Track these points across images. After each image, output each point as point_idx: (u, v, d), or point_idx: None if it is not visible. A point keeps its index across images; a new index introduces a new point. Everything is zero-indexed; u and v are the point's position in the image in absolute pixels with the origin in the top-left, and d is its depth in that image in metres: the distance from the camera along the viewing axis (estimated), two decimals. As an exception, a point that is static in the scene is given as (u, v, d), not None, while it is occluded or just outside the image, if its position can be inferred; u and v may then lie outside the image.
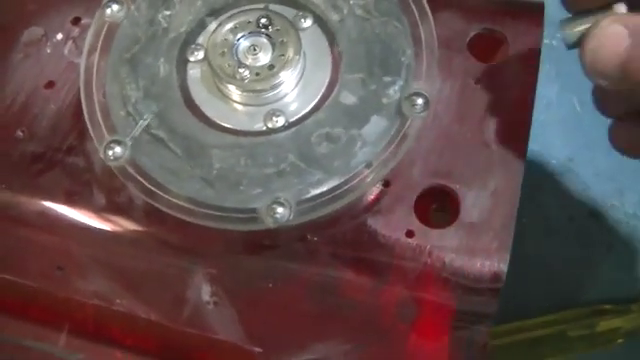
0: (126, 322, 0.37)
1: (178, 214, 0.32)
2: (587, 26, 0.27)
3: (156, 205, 0.32)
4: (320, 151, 0.33)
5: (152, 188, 0.33)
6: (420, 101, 0.33)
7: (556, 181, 0.47)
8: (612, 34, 0.25)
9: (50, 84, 0.39)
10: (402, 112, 0.33)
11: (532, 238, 0.45)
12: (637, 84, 0.25)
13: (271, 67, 0.34)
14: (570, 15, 0.30)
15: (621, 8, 0.27)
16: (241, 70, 0.34)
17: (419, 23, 0.35)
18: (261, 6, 0.36)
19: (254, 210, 0.32)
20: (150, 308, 0.36)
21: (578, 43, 0.28)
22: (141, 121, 0.34)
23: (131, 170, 0.33)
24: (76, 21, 0.40)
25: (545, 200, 0.46)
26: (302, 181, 0.32)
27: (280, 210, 0.31)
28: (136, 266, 0.36)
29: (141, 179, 0.33)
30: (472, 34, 0.37)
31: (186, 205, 0.32)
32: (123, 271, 0.36)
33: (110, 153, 0.33)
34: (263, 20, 0.35)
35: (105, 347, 0.38)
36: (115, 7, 0.36)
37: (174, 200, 0.32)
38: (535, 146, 0.48)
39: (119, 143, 0.33)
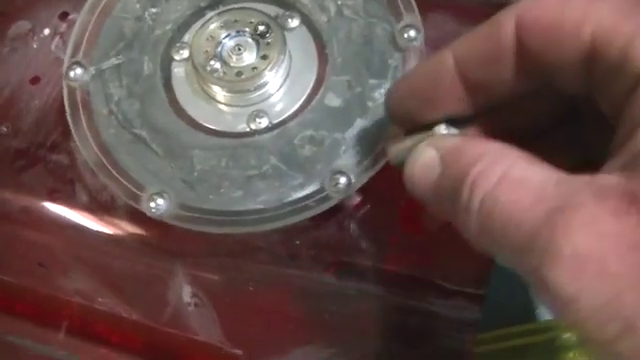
0: (111, 320, 0.37)
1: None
2: (408, 147, 0.26)
3: (135, 206, 0.32)
4: (303, 154, 0.32)
5: (133, 189, 0.32)
6: None
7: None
8: (425, 161, 0.24)
9: (36, 79, 0.38)
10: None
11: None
12: (445, 211, 0.23)
13: (255, 67, 0.34)
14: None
15: (441, 129, 0.25)
16: (225, 70, 0.33)
17: (407, 25, 0.34)
18: (247, 5, 0.36)
19: (235, 213, 0.32)
20: (132, 307, 0.36)
21: (401, 164, 0.26)
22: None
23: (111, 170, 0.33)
24: (63, 16, 0.40)
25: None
26: (283, 184, 0.32)
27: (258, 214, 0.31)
28: (118, 265, 0.36)
29: (122, 179, 0.33)
30: (462, 36, 0.36)
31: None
32: (105, 270, 0.36)
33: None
34: (261, 27, 0.34)
35: (90, 344, 0.38)
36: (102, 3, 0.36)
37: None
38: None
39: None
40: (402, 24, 0.34)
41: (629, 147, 0.20)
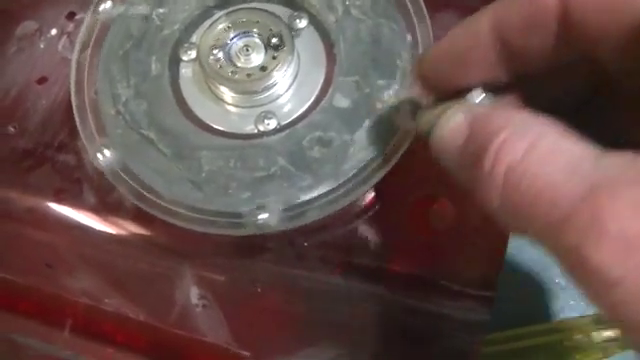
0: (116, 320, 0.37)
1: (165, 217, 0.32)
2: (437, 114, 0.25)
3: (143, 207, 0.32)
4: (311, 155, 0.32)
5: (140, 190, 0.32)
6: None
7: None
8: (453, 126, 0.23)
9: (43, 79, 0.38)
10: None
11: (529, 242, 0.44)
12: (468, 179, 0.22)
13: (263, 68, 0.33)
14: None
15: (475, 96, 0.25)
16: (233, 71, 0.33)
17: (416, 25, 0.34)
18: (255, 5, 0.35)
19: (241, 214, 0.31)
20: (138, 308, 0.36)
21: (429, 134, 0.25)
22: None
23: (119, 172, 0.32)
24: (71, 16, 0.39)
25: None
26: (292, 186, 0.32)
27: (264, 216, 0.31)
28: (124, 265, 0.36)
29: (130, 181, 0.32)
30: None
31: (173, 208, 0.32)
32: (112, 270, 0.36)
33: (99, 155, 0.33)
34: (274, 40, 0.34)
35: (96, 344, 0.38)
36: (109, 3, 0.36)
37: (161, 203, 0.32)
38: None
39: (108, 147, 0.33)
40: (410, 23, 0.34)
41: None
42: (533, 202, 0.19)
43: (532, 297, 0.42)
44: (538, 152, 0.20)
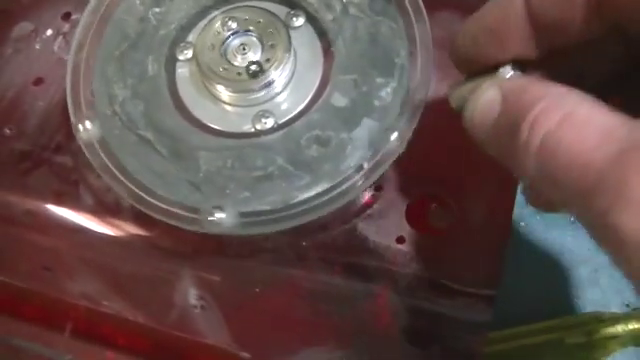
0: (117, 322, 0.37)
1: (164, 218, 0.32)
2: (470, 89, 0.26)
3: (141, 209, 0.32)
4: (309, 154, 0.32)
5: (137, 191, 0.32)
6: None
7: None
8: (486, 100, 0.24)
9: (39, 81, 0.38)
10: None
11: (530, 240, 0.44)
12: (503, 151, 0.23)
13: (260, 67, 0.33)
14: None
15: (506, 71, 0.25)
16: (229, 69, 0.33)
17: (414, 23, 0.34)
18: (252, 4, 0.35)
19: (243, 214, 0.31)
20: (138, 310, 0.36)
21: (462, 108, 0.26)
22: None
23: (115, 171, 0.32)
24: (66, 17, 0.39)
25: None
26: (290, 185, 0.32)
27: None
28: (123, 267, 0.36)
29: (127, 182, 0.32)
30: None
31: (172, 209, 0.31)
32: (111, 272, 0.36)
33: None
34: (270, 38, 0.34)
35: (97, 347, 0.37)
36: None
37: (159, 204, 0.32)
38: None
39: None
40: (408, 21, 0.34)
41: None
42: (567, 168, 0.20)
43: (534, 295, 0.42)
44: (573, 121, 0.20)
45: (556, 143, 0.20)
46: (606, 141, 0.19)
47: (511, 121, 0.22)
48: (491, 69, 0.26)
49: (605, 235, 0.19)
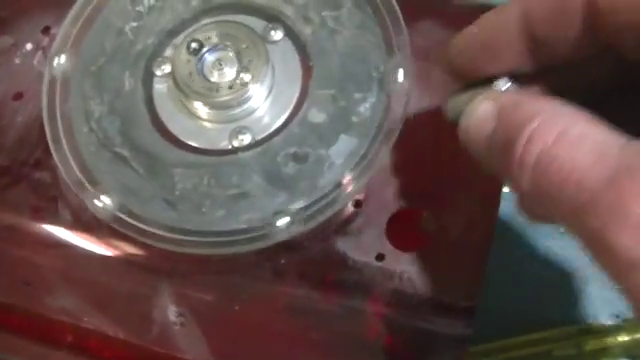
0: (102, 337, 0.37)
1: (140, 237, 0.31)
2: (465, 101, 0.25)
3: (117, 228, 0.31)
4: (286, 171, 0.32)
5: (113, 210, 0.32)
6: None
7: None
8: (481, 115, 0.24)
9: (18, 95, 0.38)
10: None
11: (518, 250, 0.43)
12: (497, 166, 0.23)
13: (237, 82, 0.33)
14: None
15: (502, 84, 0.25)
16: (206, 86, 0.33)
17: (393, 36, 0.33)
18: (229, 18, 0.35)
19: (216, 233, 0.31)
20: (118, 327, 0.36)
21: (457, 119, 0.26)
22: None
23: (90, 189, 0.32)
24: (46, 30, 0.39)
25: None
26: (267, 203, 0.31)
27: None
28: (103, 283, 0.35)
29: (104, 200, 0.32)
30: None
31: (147, 228, 0.31)
32: (90, 288, 0.36)
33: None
34: (247, 54, 0.33)
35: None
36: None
37: (136, 224, 0.31)
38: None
39: None
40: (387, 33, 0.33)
41: None
42: (561, 186, 0.20)
43: (521, 306, 0.41)
44: (568, 138, 0.20)
45: (550, 160, 0.20)
46: (600, 160, 0.19)
47: (506, 137, 0.22)
48: (487, 80, 0.26)
49: (599, 251, 0.19)
